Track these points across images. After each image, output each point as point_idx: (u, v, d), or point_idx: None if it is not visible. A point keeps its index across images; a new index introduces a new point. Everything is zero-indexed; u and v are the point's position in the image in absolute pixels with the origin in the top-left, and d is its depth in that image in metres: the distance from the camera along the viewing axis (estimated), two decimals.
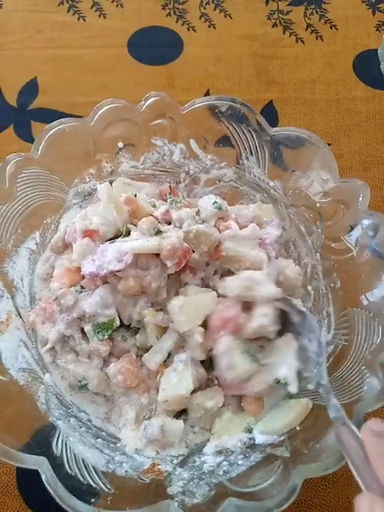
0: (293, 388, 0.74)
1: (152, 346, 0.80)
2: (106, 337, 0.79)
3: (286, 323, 0.78)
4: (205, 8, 1.38)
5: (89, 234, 0.83)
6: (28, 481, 0.84)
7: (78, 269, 0.83)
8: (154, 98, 0.90)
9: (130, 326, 0.83)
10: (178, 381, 0.76)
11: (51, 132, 0.87)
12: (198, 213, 0.85)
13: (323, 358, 0.75)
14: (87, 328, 0.79)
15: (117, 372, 0.78)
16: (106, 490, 0.68)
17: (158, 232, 0.79)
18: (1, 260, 0.85)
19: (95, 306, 0.79)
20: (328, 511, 0.83)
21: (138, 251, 0.77)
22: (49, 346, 0.81)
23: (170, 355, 0.79)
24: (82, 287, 0.82)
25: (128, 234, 0.82)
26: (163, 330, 0.81)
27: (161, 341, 0.80)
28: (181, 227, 0.81)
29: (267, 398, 0.79)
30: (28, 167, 0.87)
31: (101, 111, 0.89)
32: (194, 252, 0.80)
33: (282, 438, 0.74)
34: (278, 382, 0.74)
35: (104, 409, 0.82)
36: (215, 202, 0.88)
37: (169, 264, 0.77)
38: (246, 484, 0.68)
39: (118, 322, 0.80)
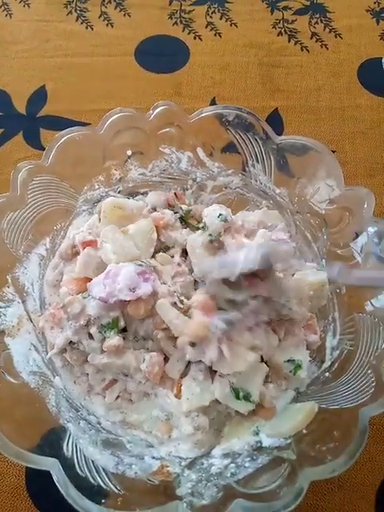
0: (303, 374, 0.79)
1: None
2: (112, 335, 0.79)
3: None
4: (211, 17, 1.41)
5: (88, 244, 0.85)
6: (37, 483, 0.86)
7: (85, 277, 0.84)
8: (163, 107, 0.92)
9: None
10: (201, 390, 0.78)
11: (62, 140, 0.89)
12: (203, 227, 0.87)
13: None
14: (93, 330, 0.79)
15: (153, 363, 0.78)
16: (116, 491, 0.69)
17: None
18: (12, 265, 0.87)
19: (98, 308, 0.79)
20: None
21: None
22: (54, 351, 0.82)
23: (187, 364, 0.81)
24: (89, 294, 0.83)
25: None
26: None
27: (179, 350, 0.80)
28: None
29: (277, 401, 0.81)
30: (39, 174, 0.88)
31: (110, 120, 0.91)
32: None
33: (289, 440, 0.75)
34: (292, 361, 0.79)
35: (118, 417, 0.82)
36: (220, 215, 0.87)
37: None
38: (253, 486, 0.69)
39: (123, 323, 0.80)
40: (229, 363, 0.76)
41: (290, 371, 0.80)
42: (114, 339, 0.78)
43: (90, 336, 0.81)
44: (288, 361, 0.81)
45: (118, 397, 0.83)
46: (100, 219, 0.90)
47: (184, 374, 0.81)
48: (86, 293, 0.82)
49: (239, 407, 0.78)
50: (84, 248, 0.85)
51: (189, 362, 0.80)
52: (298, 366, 0.80)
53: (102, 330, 0.79)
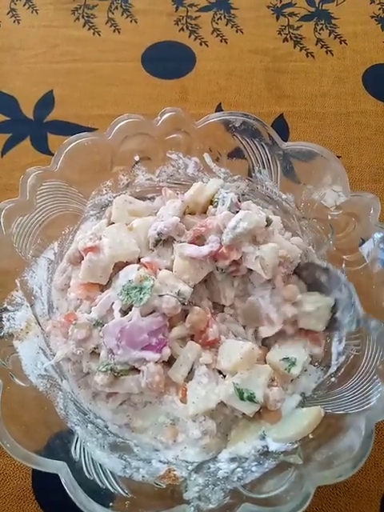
0: (296, 370, 0.81)
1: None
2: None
3: (312, 284, 0.88)
4: (217, 23, 1.42)
5: (89, 250, 0.86)
6: (44, 486, 0.86)
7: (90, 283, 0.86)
8: (170, 113, 0.93)
9: None
10: (207, 393, 0.79)
11: (70, 146, 0.90)
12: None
13: (354, 297, 0.84)
14: (102, 353, 0.80)
15: (152, 373, 0.79)
16: (124, 494, 0.70)
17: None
18: (21, 269, 0.88)
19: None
20: None
21: None
22: (52, 362, 0.83)
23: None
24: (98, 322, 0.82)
25: None
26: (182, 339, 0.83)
27: (183, 352, 0.81)
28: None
29: (284, 406, 0.81)
30: (47, 180, 0.89)
31: (118, 126, 0.92)
32: None
33: (295, 445, 0.76)
34: (286, 359, 0.82)
35: (125, 420, 0.83)
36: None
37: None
38: (260, 490, 0.70)
39: None
40: (226, 356, 0.80)
41: (285, 369, 0.81)
42: (100, 376, 0.79)
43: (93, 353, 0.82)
44: (283, 359, 0.82)
45: (122, 403, 0.83)
46: (109, 222, 0.91)
47: (188, 379, 0.82)
48: (97, 315, 0.82)
49: (244, 408, 0.78)
50: (86, 254, 0.86)
51: (193, 367, 0.81)
52: (292, 364, 0.82)
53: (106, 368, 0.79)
